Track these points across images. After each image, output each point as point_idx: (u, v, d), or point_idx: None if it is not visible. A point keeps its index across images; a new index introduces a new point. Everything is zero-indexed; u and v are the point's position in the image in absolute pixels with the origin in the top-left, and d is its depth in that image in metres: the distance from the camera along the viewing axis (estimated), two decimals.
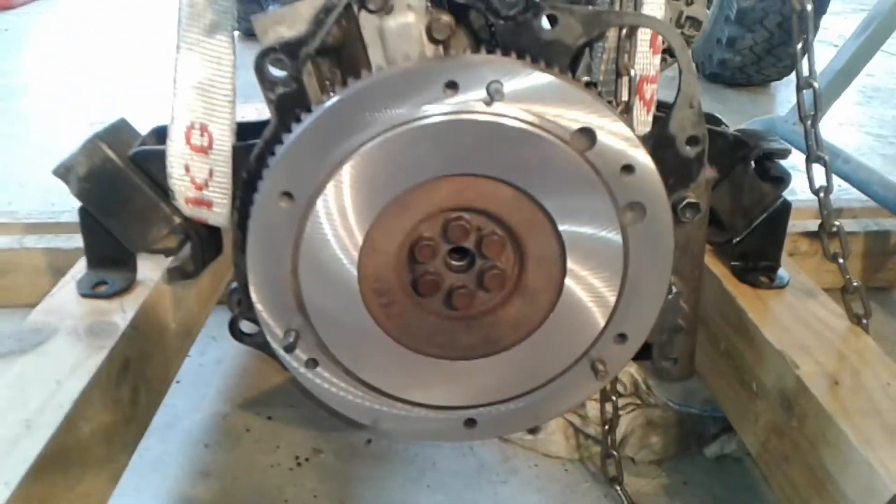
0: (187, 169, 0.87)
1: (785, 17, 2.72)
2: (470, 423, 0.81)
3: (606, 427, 1.12)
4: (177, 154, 0.87)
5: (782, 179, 1.00)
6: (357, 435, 1.23)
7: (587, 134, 0.68)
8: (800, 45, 0.85)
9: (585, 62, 0.88)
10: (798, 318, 0.98)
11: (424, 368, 0.78)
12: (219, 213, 0.89)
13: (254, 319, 0.79)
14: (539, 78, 0.67)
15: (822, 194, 0.92)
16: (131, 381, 0.94)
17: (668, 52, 0.90)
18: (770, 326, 0.96)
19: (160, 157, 0.88)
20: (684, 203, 0.78)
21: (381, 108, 0.67)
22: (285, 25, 0.70)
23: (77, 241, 1.44)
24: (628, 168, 0.70)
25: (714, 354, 1.08)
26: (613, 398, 1.11)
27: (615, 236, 0.72)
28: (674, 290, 0.82)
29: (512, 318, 0.77)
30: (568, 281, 0.75)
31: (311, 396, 0.81)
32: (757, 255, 1.06)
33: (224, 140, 0.87)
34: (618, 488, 1.12)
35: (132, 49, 3.78)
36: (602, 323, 0.76)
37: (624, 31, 0.80)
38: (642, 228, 0.72)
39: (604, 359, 0.78)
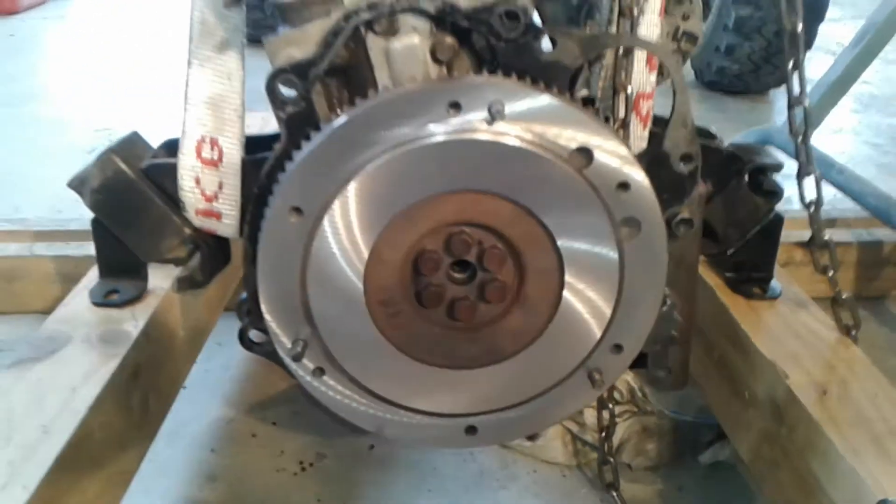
0: (198, 181, 0.90)
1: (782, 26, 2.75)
2: (471, 430, 0.83)
3: (603, 434, 1.14)
4: (188, 167, 0.89)
5: (775, 193, 1.02)
6: (360, 441, 1.25)
7: (585, 153, 0.71)
8: (791, 64, 0.88)
9: (584, 76, 0.90)
10: (789, 329, 1.01)
11: (427, 377, 0.80)
12: (228, 224, 0.92)
13: (263, 329, 0.81)
14: (539, 99, 0.69)
15: (812, 208, 0.95)
16: (142, 388, 0.97)
17: (663, 70, 0.93)
18: (762, 337, 0.98)
19: (171, 169, 0.90)
20: (678, 218, 0.80)
21: (387, 127, 0.69)
22: (295, 47, 0.72)
23: (86, 248, 1.48)
24: (624, 185, 0.72)
25: (708, 363, 1.10)
26: (610, 406, 1.12)
27: (611, 251, 0.75)
28: (668, 302, 0.84)
29: (512, 328, 0.79)
30: (566, 293, 0.77)
31: (317, 404, 0.83)
32: (750, 267, 1.08)
33: (233, 153, 0.89)
34: (614, 494, 1.14)
35: (135, 50, 3.80)
36: (599, 334, 0.79)
37: (621, 50, 0.83)
38: (638, 243, 0.75)
39: (600, 368, 0.80)
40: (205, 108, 0.88)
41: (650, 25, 0.82)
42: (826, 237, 0.98)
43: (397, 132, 0.69)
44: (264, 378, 1.41)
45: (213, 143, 0.89)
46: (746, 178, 1.01)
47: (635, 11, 0.78)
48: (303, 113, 0.75)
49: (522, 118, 0.69)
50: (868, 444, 0.82)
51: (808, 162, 0.91)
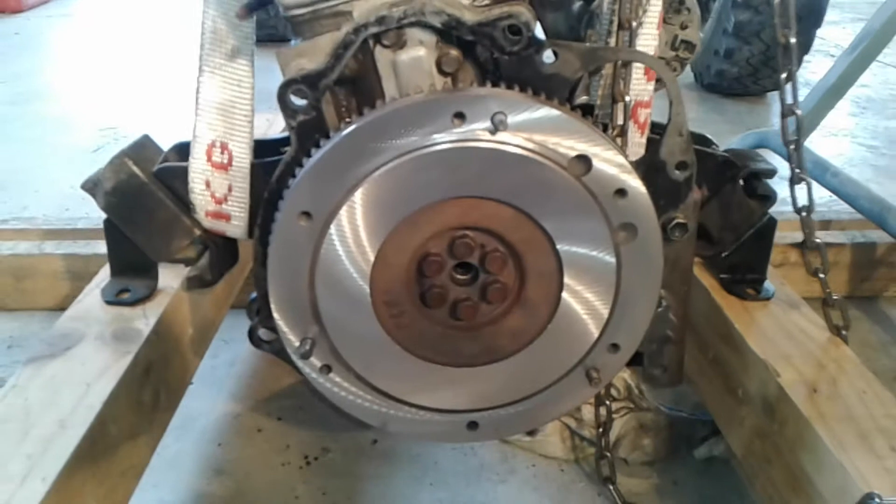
0: (208, 184, 0.92)
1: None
2: (472, 425, 0.85)
3: (601, 430, 1.16)
4: (198, 170, 0.92)
5: (768, 197, 1.05)
6: (363, 435, 1.28)
7: (583, 160, 0.73)
8: (784, 75, 0.91)
9: (585, 83, 0.93)
10: (781, 329, 1.03)
11: (431, 374, 0.83)
12: (237, 225, 0.94)
13: (272, 328, 0.84)
14: (539, 110, 0.72)
15: (804, 213, 0.98)
16: (153, 384, 0.99)
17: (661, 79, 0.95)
18: (755, 336, 1.01)
19: (182, 173, 0.92)
20: (673, 223, 0.83)
21: (393, 135, 0.71)
22: (306, 58, 0.75)
23: (93, 247, 1.51)
24: (621, 192, 0.75)
25: (703, 362, 1.13)
26: (607, 402, 1.14)
27: (609, 254, 0.77)
28: (663, 303, 0.87)
29: (512, 328, 0.81)
30: (565, 295, 0.79)
31: (324, 399, 0.85)
32: (744, 268, 1.10)
33: (243, 157, 0.91)
34: (611, 488, 1.15)
35: (139, 49, 3.82)
36: (596, 334, 0.81)
37: (620, 62, 0.86)
38: (634, 247, 0.77)
39: (598, 367, 0.83)
40: (215, 114, 0.90)
41: (648, 37, 0.84)
42: (817, 241, 1.00)
43: (404, 141, 0.72)
44: (269, 374, 1.43)
45: (224, 147, 0.91)
46: (741, 182, 1.03)
47: (634, 24, 0.81)
48: (313, 121, 0.77)
49: (524, 128, 0.72)
50: (855, 439, 0.84)
51: (800, 170, 0.94)
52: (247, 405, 1.36)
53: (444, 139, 0.72)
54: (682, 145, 0.80)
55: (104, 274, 1.10)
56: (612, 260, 0.78)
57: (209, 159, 0.91)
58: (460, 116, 0.71)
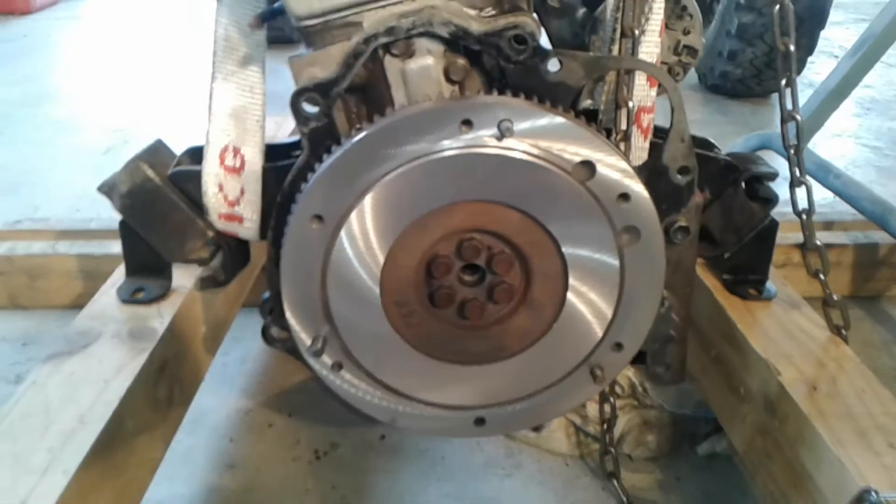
0: (221, 187, 0.94)
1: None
2: (479, 421, 0.87)
3: (605, 426, 1.17)
4: (212, 174, 0.93)
5: (770, 200, 1.06)
6: (372, 431, 1.30)
7: (587, 166, 0.75)
8: (784, 82, 0.92)
9: (588, 87, 0.95)
10: (783, 329, 1.05)
11: (439, 372, 0.84)
12: (248, 227, 0.96)
13: (284, 326, 0.86)
14: (545, 117, 0.74)
15: (804, 216, 0.99)
16: (168, 380, 1.02)
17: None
18: (756, 336, 1.03)
19: (196, 176, 0.94)
20: (676, 226, 0.85)
21: (403, 142, 0.73)
22: (318, 67, 0.77)
23: (106, 247, 1.54)
24: (624, 196, 0.76)
25: (706, 360, 1.14)
26: (611, 399, 1.16)
27: (612, 256, 0.79)
28: (666, 303, 0.89)
29: (518, 327, 0.83)
30: (569, 295, 0.81)
31: (335, 396, 0.87)
32: (746, 269, 1.12)
33: (255, 161, 0.93)
34: (615, 483, 1.17)
35: (147, 50, 3.83)
36: (600, 333, 0.83)
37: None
38: (637, 249, 0.79)
39: (602, 365, 0.84)
40: (228, 119, 0.92)
41: (650, 45, 0.86)
42: (817, 243, 1.02)
43: (412, 147, 0.73)
44: (279, 371, 1.45)
45: (236, 151, 0.93)
46: (743, 186, 1.05)
47: (636, 32, 0.83)
48: (324, 128, 0.79)
49: (529, 134, 0.74)
50: (853, 436, 0.86)
51: (800, 174, 0.96)
52: (257, 401, 1.39)
53: (451, 145, 0.74)
54: (684, 151, 0.82)
55: (119, 274, 1.12)
56: (616, 262, 0.80)
57: (222, 163, 0.93)
58: (468, 123, 0.73)
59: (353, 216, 0.77)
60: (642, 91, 0.89)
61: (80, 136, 2.70)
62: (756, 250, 1.11)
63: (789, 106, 0.94)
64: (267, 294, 0.91)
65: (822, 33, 2.94)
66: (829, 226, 1.69)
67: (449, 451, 1.27)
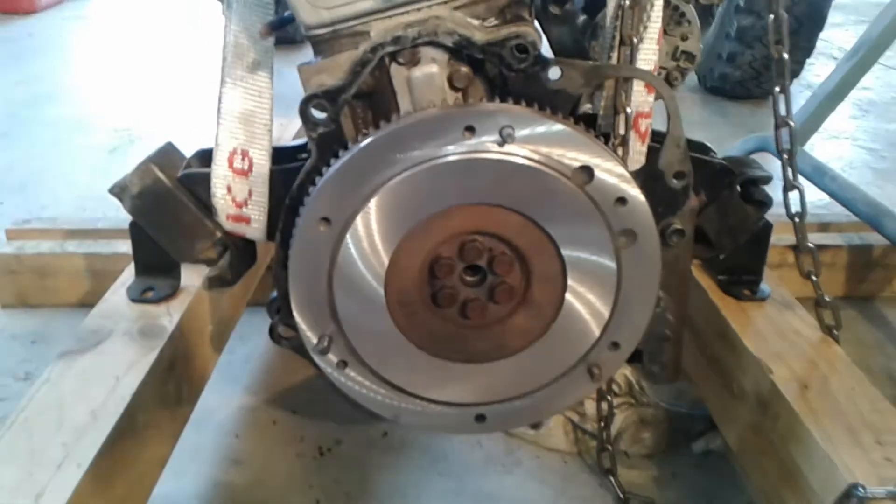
0: (229, 189, 0.96)
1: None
2: (480, 418, 0.90)
3: (602, 424, 1.19)
4: (220, 176, 0.96)
5: (764, 203, 1.08)
6: (374, 427, 1.32)
7: (586, 171, 0.78)
8: (777, 89, 0.95)
9: (587, 92, 0.97)
10: (776, 329, 1.07)
11: (441, 370, 0.87)
12: (256, 228, 0.98)
13: (291, 325, 0.88)
14: (545, 124, 0.76)
15: (797, 219, 1.02)
16: (176, 378, 1.04)
17: None
18: (750, 335, 1.05)
19: (205, 178, 0.97)
20: (671, 229, 0.87)
21: (408, 147, 0.76)
22: (326, 75, 0.79)
23: (114, 246, 1.56)
24: (622, 200, 0.79)
25: (701, 359, 1.17)
26: (609, 398, 1.17)
27: (610, 259, 0.82)
28: (662, 304, 0.91)
29: (518, 327, 0.86)
30: (568, 296, 0.84)
31: (340, 393, 0.90)
32: (741, 270, 1.14)
33: (262, 164, 0.96)
34: (612, 479, 1.19)
35: (153, 49, 3.84)
36: (598, 332, 0.85)
37: None
38: (634, 252, 0.82)
39: (599, 364, 0.87)
40: (237, 123, 0.94)
41: (649, 52, 0.88)
42: (810, 246, 1.04)
43: (417, 152, 0.76)
44: (283, 369, 1.47)
45: (244, 154, 0.95)
46: (738, 189, 1.07)
47: (635, 40, 0.85)
48: (332, 133, 0.82)
49: (530, 140, 0.76)
50: (843, 433, 0.88)
51: (793, 178, 0.98)
52: (262, 399, 1.40)
53: (455, 151, 0.76)
54: (680, 156, 0.85)
55: (128, 273, 1.15)
56: (613, 264, 0.82)
57: (230, 166, 0.96)
58: (470, 130, 0.75)
59: (359, 219, 0.79)
60: (640, 97, 0.91)
61: (85, 135, 2.71)
62: (750, 252, 1.12)
63: (783, 112, 0.96)
64: (274, 294, 0.94)
65: (822, 35, 2.96)
66: (824, 227, 1.71)
67: (450, 449, 1.29)
